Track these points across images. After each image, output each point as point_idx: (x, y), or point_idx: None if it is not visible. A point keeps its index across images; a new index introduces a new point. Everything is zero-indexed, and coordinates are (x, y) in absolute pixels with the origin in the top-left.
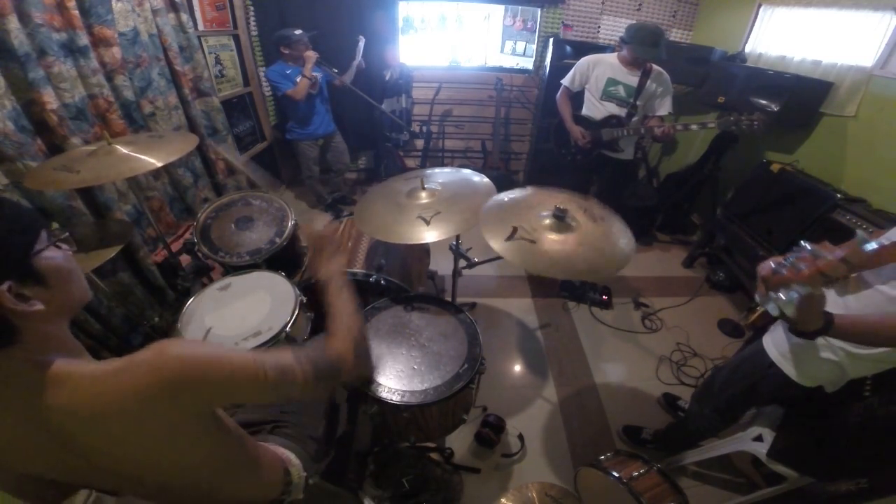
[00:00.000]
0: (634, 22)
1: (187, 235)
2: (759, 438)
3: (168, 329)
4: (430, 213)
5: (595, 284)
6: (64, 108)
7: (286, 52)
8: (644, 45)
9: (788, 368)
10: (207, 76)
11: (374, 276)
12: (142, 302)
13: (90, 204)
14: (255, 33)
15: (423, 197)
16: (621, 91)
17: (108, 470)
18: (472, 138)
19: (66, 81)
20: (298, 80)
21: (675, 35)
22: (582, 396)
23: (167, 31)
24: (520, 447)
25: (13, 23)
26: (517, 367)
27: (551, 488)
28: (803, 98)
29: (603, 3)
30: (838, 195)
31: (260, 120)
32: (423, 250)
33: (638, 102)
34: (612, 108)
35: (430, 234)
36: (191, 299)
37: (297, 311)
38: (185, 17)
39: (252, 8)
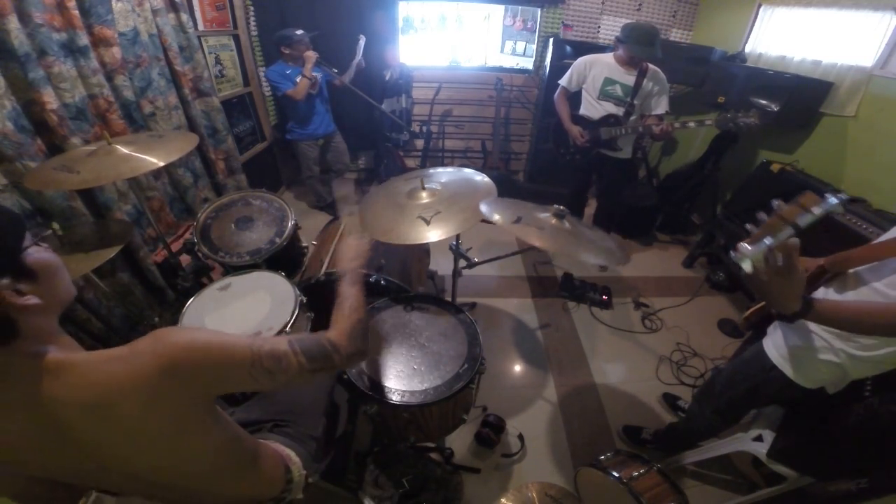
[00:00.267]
0: (630, 21)
1: (187, 235)
2: (759, 439)
3: None
4: (430, 213)
5: (595, 284)
6: (64, 108)
7: (286, 51)
8: (640, 45)
9: (789, 370)
10: (207, 76)
11: (374, 276)
12: (142, 302)
13: (90, 204)
14: (255, 33)
15: (424, 197)
16: (618, 90)
17: (114, 469)
18: (472, 138)
19: (66, 81)
20: (298, 80)
21: (675, 35)
22: (582, 396)
23: (167, 31)
24: (520, 447)
25: (13, 23)
26: (517, 367)
27: (551, 488)
28: (803, 98)
29: (603, 3)
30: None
31: (260, 120)
32: (423, 250)
33: (635, 101)
34: (610, 108)
35: (430, 234)
36: (191, 299)
37: (296, 311)
38: (185, 17)
39: (252, 8)
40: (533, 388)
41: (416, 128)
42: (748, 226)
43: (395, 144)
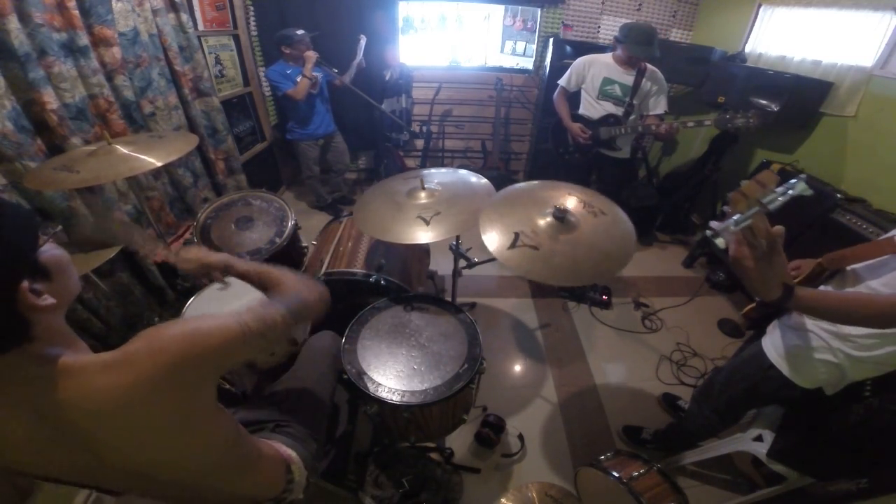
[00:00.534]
0: (628, 21)
1: (187, 235)
2: (759, 438)
3: None
4: (429, 213)
5: (595, 284)
6: (64, 108)
7: (287, 51)
8: (638, 44)
9: (787, 370)
10: (207, 76)
11: (374, 276)
12: (141, 302)
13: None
14: (255, 33)
15: (423, 197)
16: (617, 90)
17: (119, 468)
18: (472, 138)
19: (66, 81)
20: (299, 79)
21: (675, 35)
22: (582, 396)
23: (167, 31)
24: (520, 447)
25: (13, 23)
26: (517, 367)
27: (551, 488)
28: (803, 98)
29: (603, 3)
30: (838, 195)
31: (260, 120)
32: (423, 250)
33: (634, 101)
34: (609, 107)
35: (429, 235)
36: (191, 299)
37: None
38: (185, 17)
39: (252, 8)
40: (533, 388)
41: (416, 128)
42: (725, 207)
43: (395, 144)
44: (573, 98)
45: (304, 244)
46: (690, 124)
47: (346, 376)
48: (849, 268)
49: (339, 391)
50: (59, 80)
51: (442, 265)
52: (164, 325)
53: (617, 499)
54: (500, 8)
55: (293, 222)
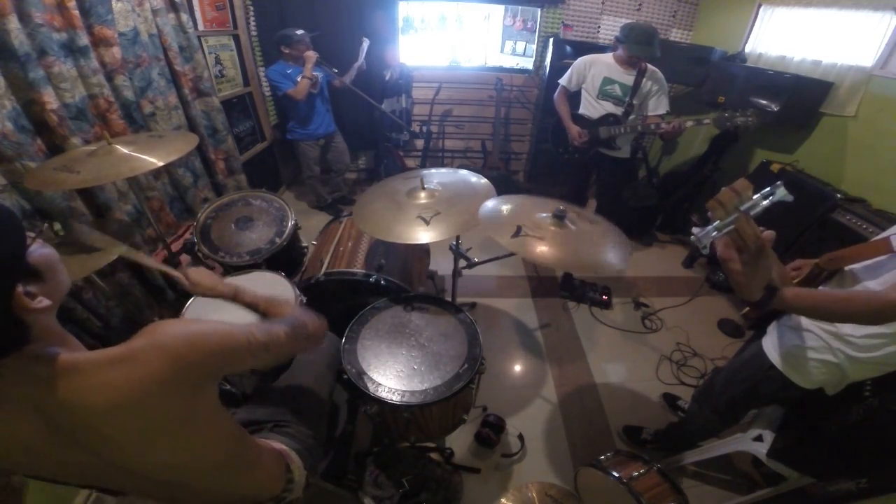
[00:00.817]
0: (629, 21)
1: (187, 235)
2: (759, 438)
3: None
4: (429, 213)
5: (595, 284)
6: (64, 108)
7: (287, 51)
8: (639, 44)
9: (787, 370)
10: (207, 76)
11: (374, 276)
12: (141, 302)
13: (90, 204)
14: (255, 33)
15: (423, 197)
16: (617, 90)
17: (121, 466)
18: (472, 138)
19: (66, 81)
20: (299, 79)
21: (675, 35)
22: (582, 396)
23: (167, 31)
24: (520, 447)
25: (13, 23)
26: (517, 367)
27: (551, 488)
28: (803, 98)
29: (603, 3)
30: (838, 195)
31: (260, 120)
32: (423, 250)
33: (634, 101)
34: (609, 107)
35: (429, 235)
36: (191, 299)
37: None
38: (185, 17)
39: (252, 8)
40: (533, 388)
41: (416, 128)
42: (709, 213)
43: (395, 144)
44: (574, 98)
45: (304, 244)
46: (690, 123)
47: (346, 376)
48: (847, 268)
49: (339, 391)
50: (59, 80)
51: (442, 265)
52: (167, 321)
53: (617, 499)
54: (500, 8)
55: (293, 222)
